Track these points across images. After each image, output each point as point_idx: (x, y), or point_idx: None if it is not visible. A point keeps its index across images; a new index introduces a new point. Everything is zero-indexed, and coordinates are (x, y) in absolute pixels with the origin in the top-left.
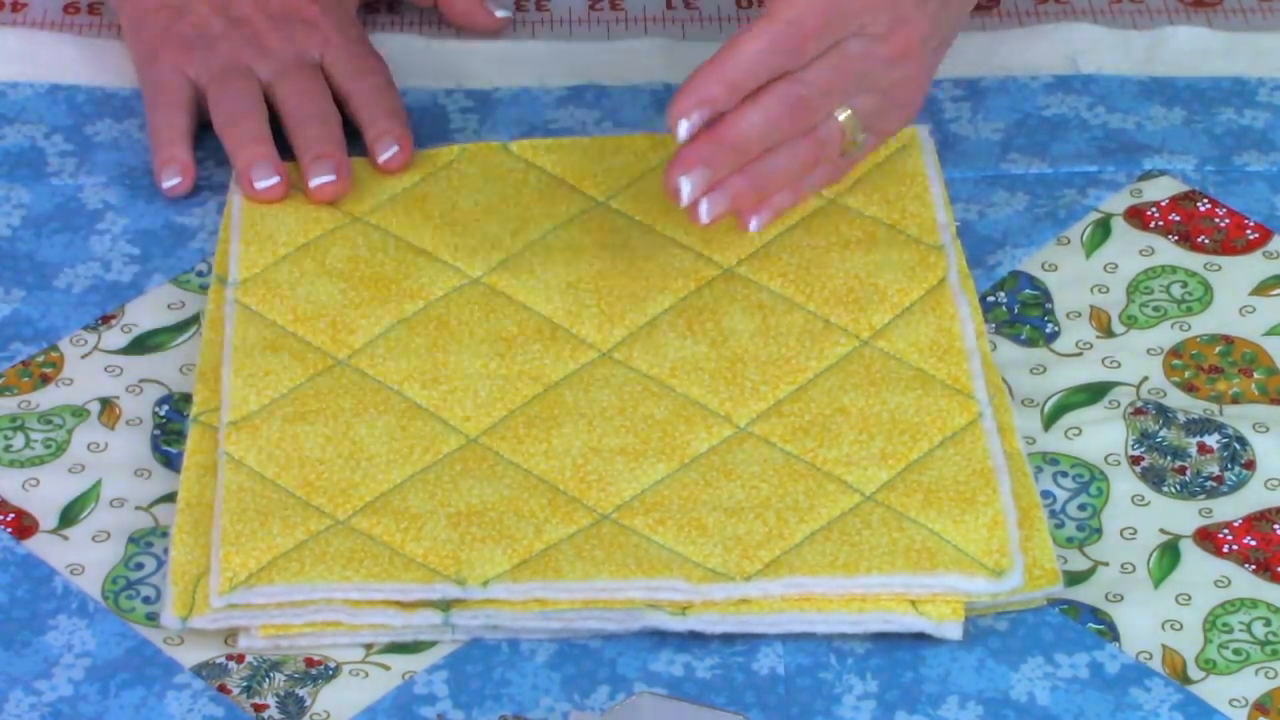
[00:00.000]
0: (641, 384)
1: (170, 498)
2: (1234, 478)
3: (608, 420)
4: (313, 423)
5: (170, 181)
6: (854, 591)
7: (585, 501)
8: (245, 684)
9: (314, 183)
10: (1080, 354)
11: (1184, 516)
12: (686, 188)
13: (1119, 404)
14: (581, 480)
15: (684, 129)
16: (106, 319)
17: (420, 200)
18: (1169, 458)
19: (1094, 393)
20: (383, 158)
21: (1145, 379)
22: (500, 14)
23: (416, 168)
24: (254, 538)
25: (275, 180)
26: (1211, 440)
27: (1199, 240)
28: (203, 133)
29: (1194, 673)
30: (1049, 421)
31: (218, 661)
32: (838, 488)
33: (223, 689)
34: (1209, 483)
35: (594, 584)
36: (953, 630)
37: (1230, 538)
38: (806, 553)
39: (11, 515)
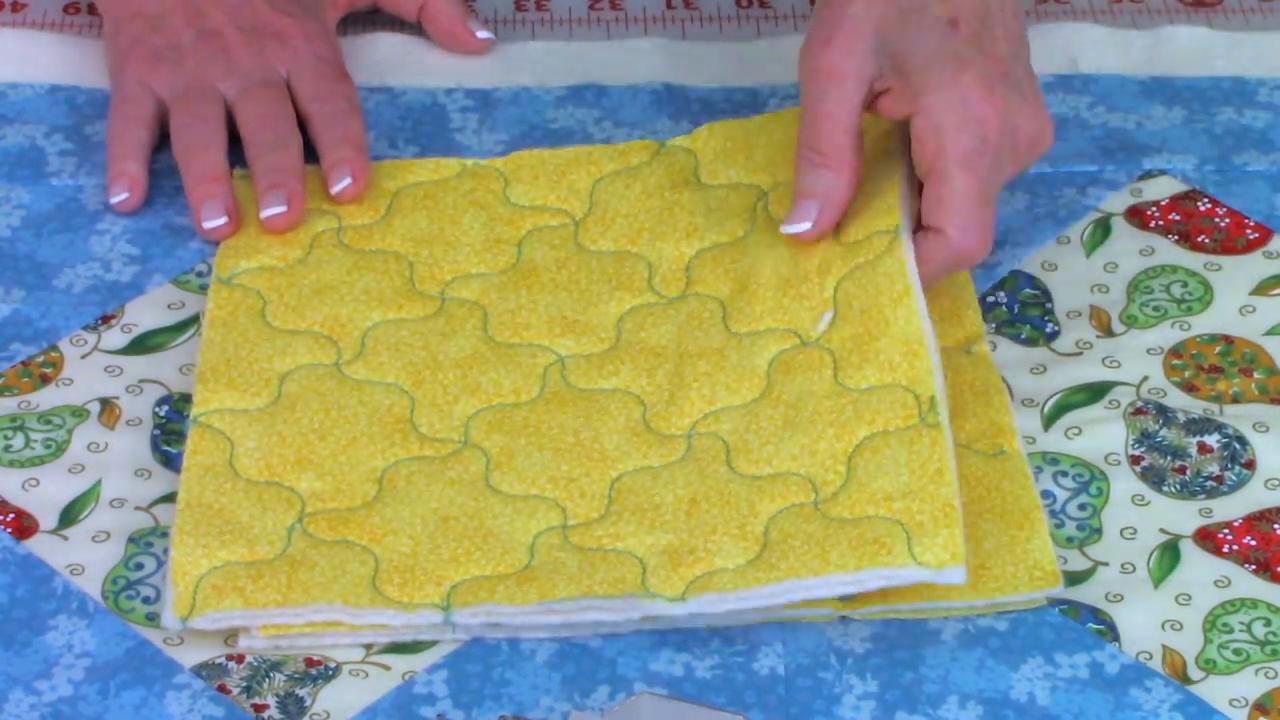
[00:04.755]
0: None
1: (170, 498)
2: (1234, 477)
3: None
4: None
5: (118, 197)
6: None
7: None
8: (245, 684)
9: (265, 214)
10: (1080, 354)
11: (1184, 516)
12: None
13: (1119, 404)
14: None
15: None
16: (106, 319)
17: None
18: (1169, 457)
19: (1094, 392)
20: (335, 189)
21: (1145, 379)
22: (482, 35)
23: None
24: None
25: (223, 221)
26: (1212, 440)
27: (1199, 240)
28: None
29: (1194, 673)
30: (1049, 421)
31: (218, 661)
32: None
33: (223, 689)
34: (1209, 482)
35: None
36: (955, 575)
37: (1230, 538)
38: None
39: (11, 515)
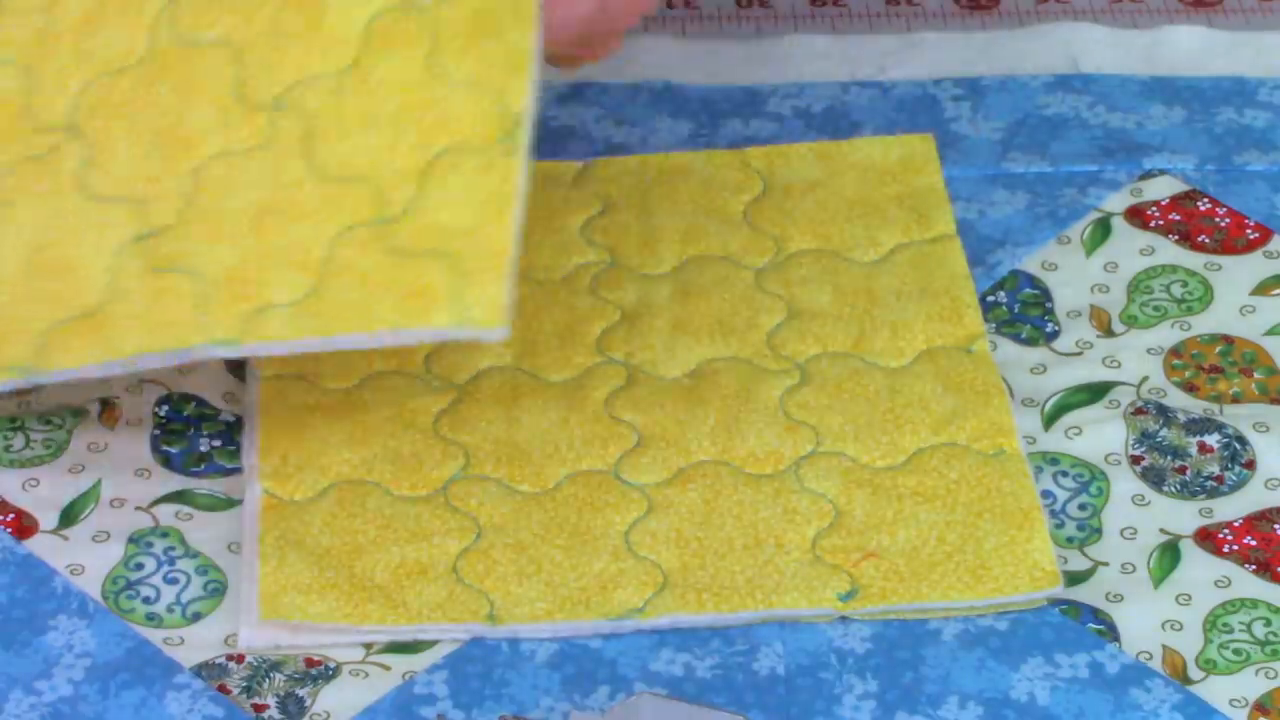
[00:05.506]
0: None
1: (170, 498)
2: (1234, 477)
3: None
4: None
5: None
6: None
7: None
8: (245, 684)
9: None
10: (1080, 353)
11: (1184, 516)
12: None
13: (1119, 403)
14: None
15: None
16: None
17: None
18: (1169, 457)
19: (1094, 392)
20: None
21: (1145, 378)
22: None
23: None
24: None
25: None
26: (1212, 440)
27: (1199, 240)
28: None
29: (1194, 673)
30: (1049, 421)
31: (218, 661)
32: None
33: (223, 689)
34: (1209, 482)
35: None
36: (497, 334)
37: (1230, 538)
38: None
39: (11, 515)
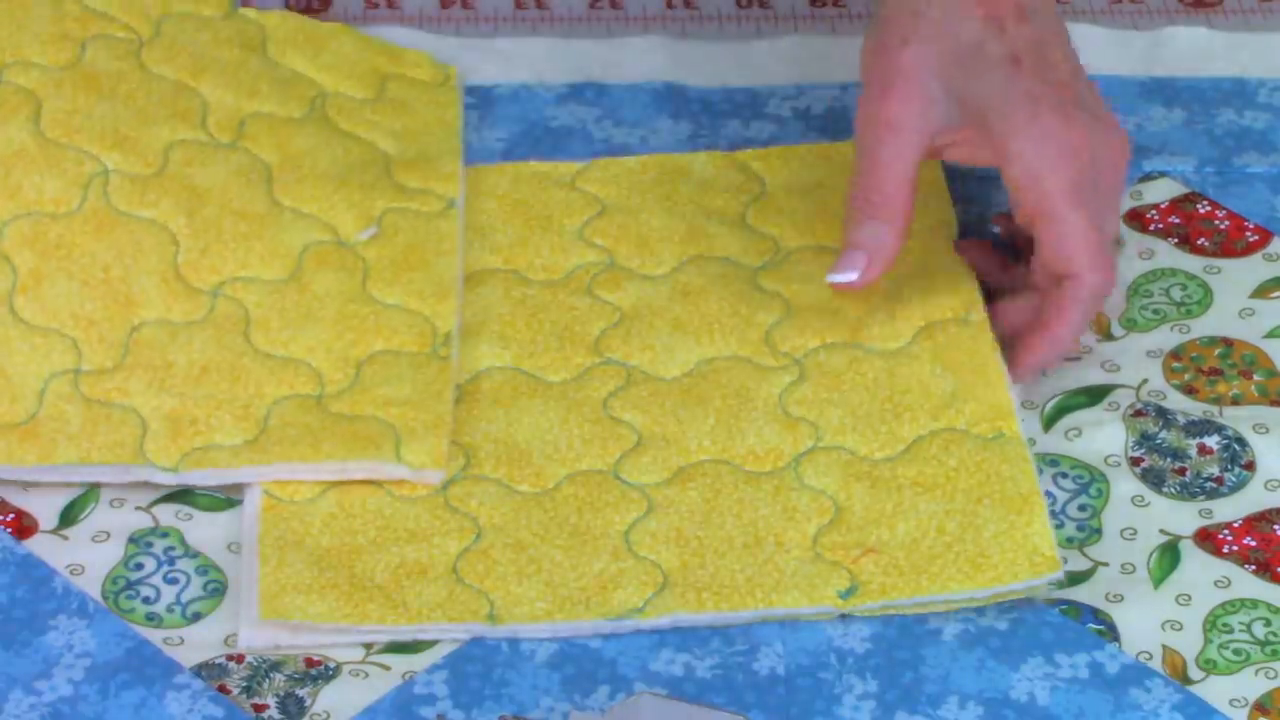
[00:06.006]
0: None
1: (170, 498)
2: (1234, 478)
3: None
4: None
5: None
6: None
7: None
8: (245, 684)
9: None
10: (1080, 356)
11: (1184, 517)
12: None
13: (1119, 406)
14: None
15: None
16: None
17: None
18: (1169, 459)
19: (1094, 395)
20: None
21: (1145, 381)
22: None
23: None
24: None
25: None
26: (1211, 441)
27: (1199, 242)
28: None
29: (1194, 673)
30: (1049, 423)
31: (218, 661)
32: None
33: (223, 689)
34: (1209, 483)
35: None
36: (432, 476)
37: (1230, 538)
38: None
39: (11, 515)
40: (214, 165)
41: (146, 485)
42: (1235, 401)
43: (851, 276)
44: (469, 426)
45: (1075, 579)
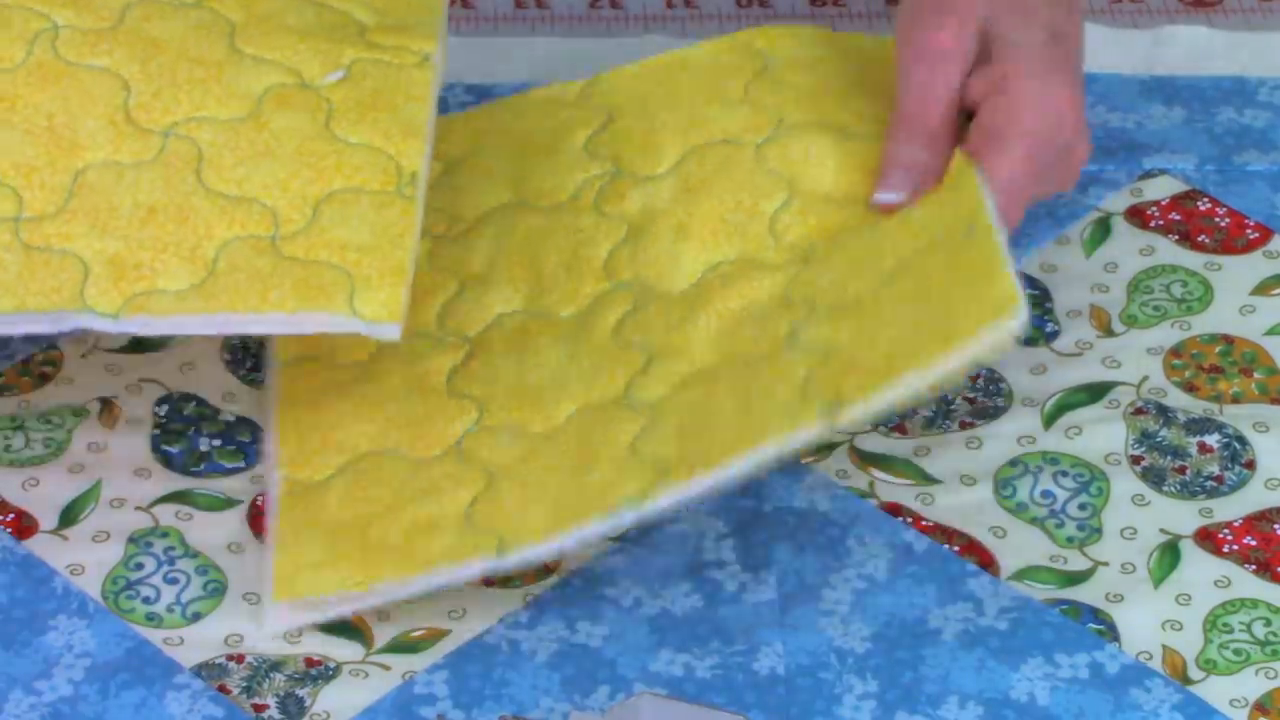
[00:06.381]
0: None
1: (170, 498)
2: (1234, 477)
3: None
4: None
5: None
6: None
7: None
8: (245, 684)
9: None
10: (1080, 354)
11: (1184, 516)
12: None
13: (1119, 404)
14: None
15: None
16: None
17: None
18: (1169, 457)
19: (1094, 392)
20: None
21: (1145, 379)
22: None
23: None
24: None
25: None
26: (1212, 440)
27: (1199, 239)
28: None
29: (1194, 673)
30: (1049, 421)
31: (218, 661)
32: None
33: (223, 689)
34: (1209, 482)
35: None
36: (390, 330)
37: (1230, 538)
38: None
39: (11, 515)
40: (173, 20)
41: (147, 484)
42: (1236, 399)
43: (896, 196)
44: (483, 377)
45: (1075, 579)
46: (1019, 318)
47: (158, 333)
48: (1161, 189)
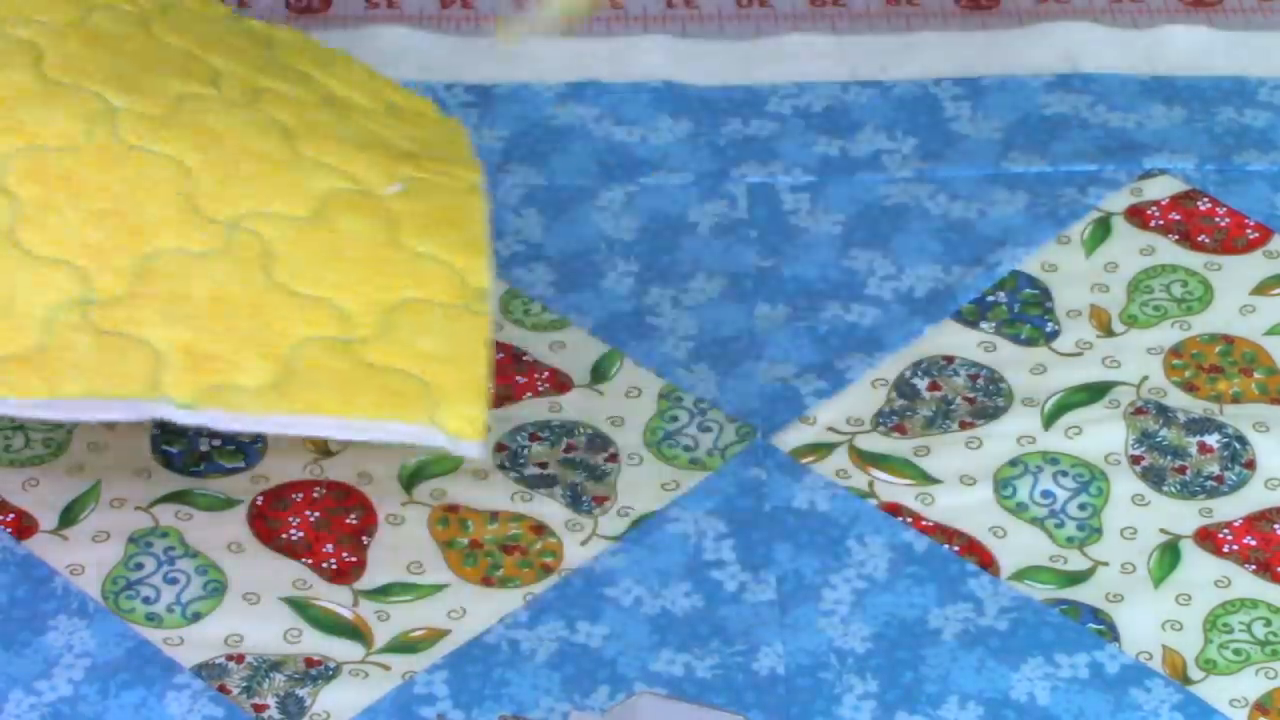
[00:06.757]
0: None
1: (170, 498)
2: (1234, 477)
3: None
4: None
5: None
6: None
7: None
8: (245, 684)
9: None
10: (1080, 353)
11: (1184, 516)
12: None
13: (1119, 403)
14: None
15: None
16: None
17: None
18: (1169, 457)
19: (1094, 392)
20: None
21: (1145, 378)
22: None
23: None
24: None
25: None
26: (1212, 440)
27: (1199, 239)
28: None
29: (1194, 673)
30: (1049, 421)
31: (218, 661)
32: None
33: (223, 689)
34: (1209, 482)
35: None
36: (473, 449)
37: (1230, 538)
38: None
39: (11, 515)
40: (229, 115)
41: (147, 484)
42: (1235, 399)
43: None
44: None
45: (1075, 579)
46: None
47: (236, 429)
48: (1161, 189)
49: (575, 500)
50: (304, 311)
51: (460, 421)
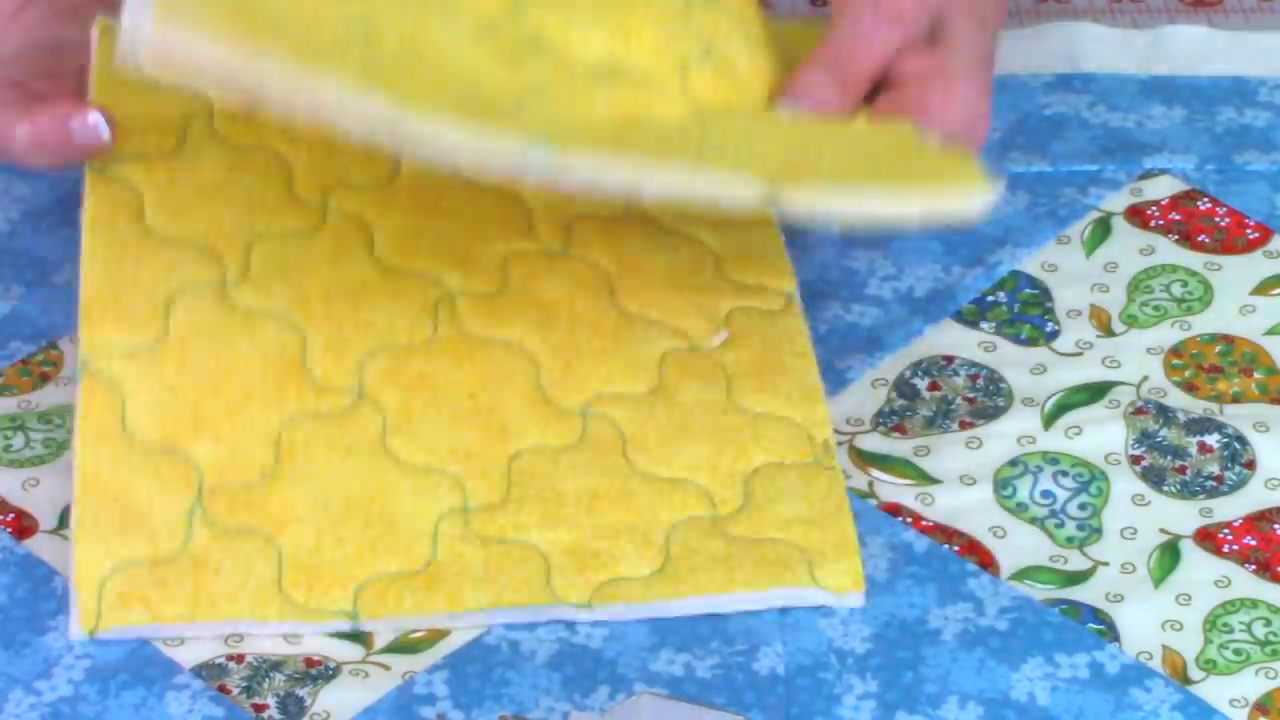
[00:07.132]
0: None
1: None
2: (1234, 477)
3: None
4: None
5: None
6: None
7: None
8: (245, 684)
9: None
10: (1080, 353)
11: (1184, 516)
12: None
13: (1119, 403)
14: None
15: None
16: None
17: None
18: (1169, 457)
19: (1094, 392)
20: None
21: (1145, 378)
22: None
23: None
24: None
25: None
26: (1212, 440)
27: (1199, 239)
28: None
29: (1194, 673)
30: (1049, 421)
31: (218, 661)
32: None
33: (223, 689)
34: (1209, 482)
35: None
36: (855, 600)
37: (1230, 538)
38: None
39: (11, 515)
40: (554, 276)
41: None
42: (1236, 399)
43: (799, 104)
44: None
45: (1075, 579)
46: (986, 196)
47: (631, 617)
48: (1161, 189)
49: None
50: (667, 496)
51: (839, 577)
